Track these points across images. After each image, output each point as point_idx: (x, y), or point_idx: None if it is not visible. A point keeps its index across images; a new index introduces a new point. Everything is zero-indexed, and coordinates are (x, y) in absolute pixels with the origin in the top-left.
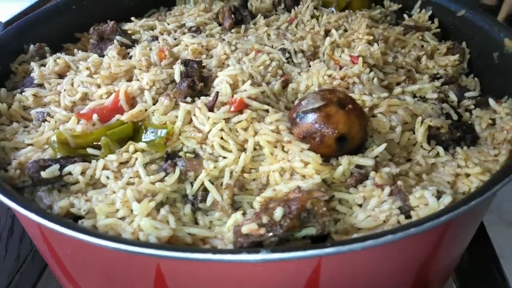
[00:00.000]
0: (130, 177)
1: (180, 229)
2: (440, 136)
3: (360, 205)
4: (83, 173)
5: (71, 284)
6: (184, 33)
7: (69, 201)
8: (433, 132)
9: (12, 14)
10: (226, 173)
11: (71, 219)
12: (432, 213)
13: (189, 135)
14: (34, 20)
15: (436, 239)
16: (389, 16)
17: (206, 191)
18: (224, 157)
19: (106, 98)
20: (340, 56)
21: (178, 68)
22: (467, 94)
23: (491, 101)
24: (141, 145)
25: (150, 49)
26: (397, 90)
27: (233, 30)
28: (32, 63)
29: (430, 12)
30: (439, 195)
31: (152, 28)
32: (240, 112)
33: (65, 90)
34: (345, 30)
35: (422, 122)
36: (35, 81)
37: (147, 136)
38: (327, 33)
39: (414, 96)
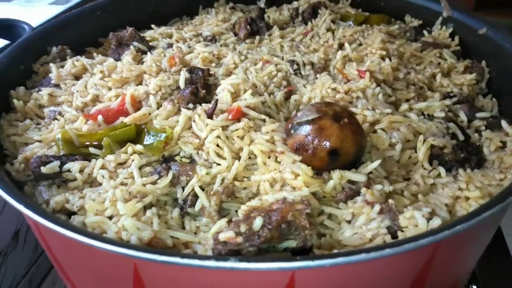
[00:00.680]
0: (125, 178)
1: (163, 232)
2: (443, 157)
3: (349, 222)
4: (81, 171)
5: (63, 276)
6: (199, 42)
7: (65, 197)
8: (436, 152)
9: (44, 18)
10: (218, 180)
11: (66, 215)
12: (411, 236)
13: (187, 140)
14: (60, 24)
15: (421, 262)
16: (408, 32)
17: (196, 196)
18: (218, 164)
19: (114, 101)
20: (348, 69)
21: (183, 75)
22: (478, 115)
23: (503, 123)
24: (139, 147)
25: (164, 55)
26: (404, 106)
27: (247, 41)
28: (51, 64)
29: (451, 29)
30: (431, 217)
31: (170, 36)
32: (238, 120)
33: (78, 91)
34: (360, 45)
35: (424, 140)
36: (52, 81)
37: (149, 139)
38: (340, 46)
39: (422, 114)
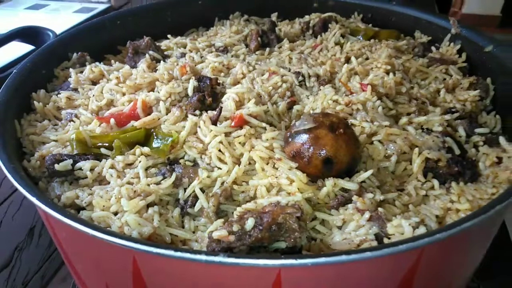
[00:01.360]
0: (131, 178)
1: (163, 229)
2: (438, 169)
3: (340, 227)
4: (92, 169)
5: (69, 266)
6: (211, 52)
7: (75, 193)
8: (431, 165)
9: (69, 25)
10: (217, 183)
11: (75, 210)
12: (392, 241)
13: (192, 144)
14: (81, 32)
15: (405, 267)
16: (417, 47)
17: (196, 197)
18: (219, 168)
19: (127, 105)
20: (352, 82)
21: (192, 83)
22: (477, 130)
23: (501, 139)
24: (146, 149)
25: (177, 64)
26: (403, 120)
27: (257, 52)
28: (71, 69)
29: (458, 46)
30: (419, 226)
31: (185, 46)
32: (240, 127)
33: (94, 95)
34: (367, 59)
35: (420, 153)
36: (71, 86)
37: (156, 142)
38: (347, 60)
39: (421, 128)
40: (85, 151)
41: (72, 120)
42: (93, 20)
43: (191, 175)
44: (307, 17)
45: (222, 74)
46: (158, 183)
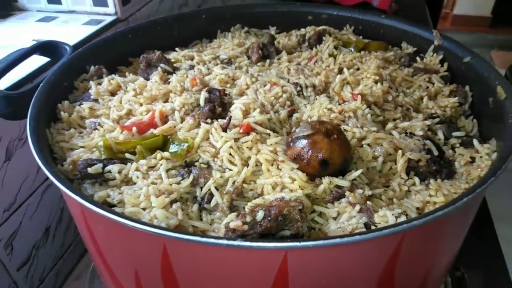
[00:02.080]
0: (155, 179)
1: (186, 221)
2: (418, 168)
3: (335, 218)
4: (119, 172)
5: (98, 255)
6: (217, 64)
7: (106, 193)
8: (413, 164)
9: (79, 38)
10: (229, 182)
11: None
12: (378, 227)
13: (205, 149)
14: (96, 46)
15: (390, 249)
16: (403, 58)
17: (212, 195)
18: (230, 169)
19: (145, 115)
20: (345, 92)
21: (203, 95)
22: (454, 134)
23: (475, 141)
24: (166, 154)
25: (187, 76)
26: (389, 125)
27: (259, 64)
28: (91, 82)
29: (441, 56)
30: (400, 215)
31: (192, 58)
32: (247, 134)
33: (114, 106)
34: (358, 69)
35: (403, 154)
36: (92, 97)
37: (174, 147)
38: (340, 71)
39: (405, 132)
40: (111, 156)
41: (96, 129)
42: (108, 35)
43: (206, 175)
44: (303, 30)
45: (228, 85)
46: (178, 183)
